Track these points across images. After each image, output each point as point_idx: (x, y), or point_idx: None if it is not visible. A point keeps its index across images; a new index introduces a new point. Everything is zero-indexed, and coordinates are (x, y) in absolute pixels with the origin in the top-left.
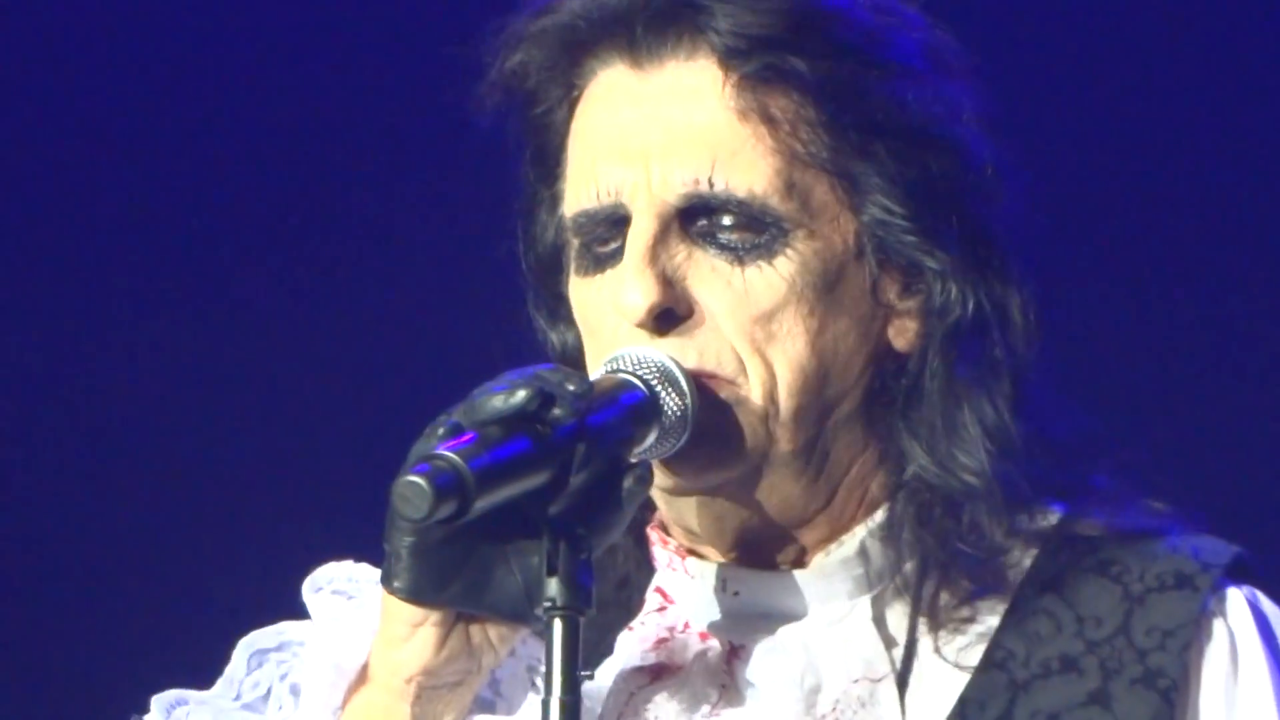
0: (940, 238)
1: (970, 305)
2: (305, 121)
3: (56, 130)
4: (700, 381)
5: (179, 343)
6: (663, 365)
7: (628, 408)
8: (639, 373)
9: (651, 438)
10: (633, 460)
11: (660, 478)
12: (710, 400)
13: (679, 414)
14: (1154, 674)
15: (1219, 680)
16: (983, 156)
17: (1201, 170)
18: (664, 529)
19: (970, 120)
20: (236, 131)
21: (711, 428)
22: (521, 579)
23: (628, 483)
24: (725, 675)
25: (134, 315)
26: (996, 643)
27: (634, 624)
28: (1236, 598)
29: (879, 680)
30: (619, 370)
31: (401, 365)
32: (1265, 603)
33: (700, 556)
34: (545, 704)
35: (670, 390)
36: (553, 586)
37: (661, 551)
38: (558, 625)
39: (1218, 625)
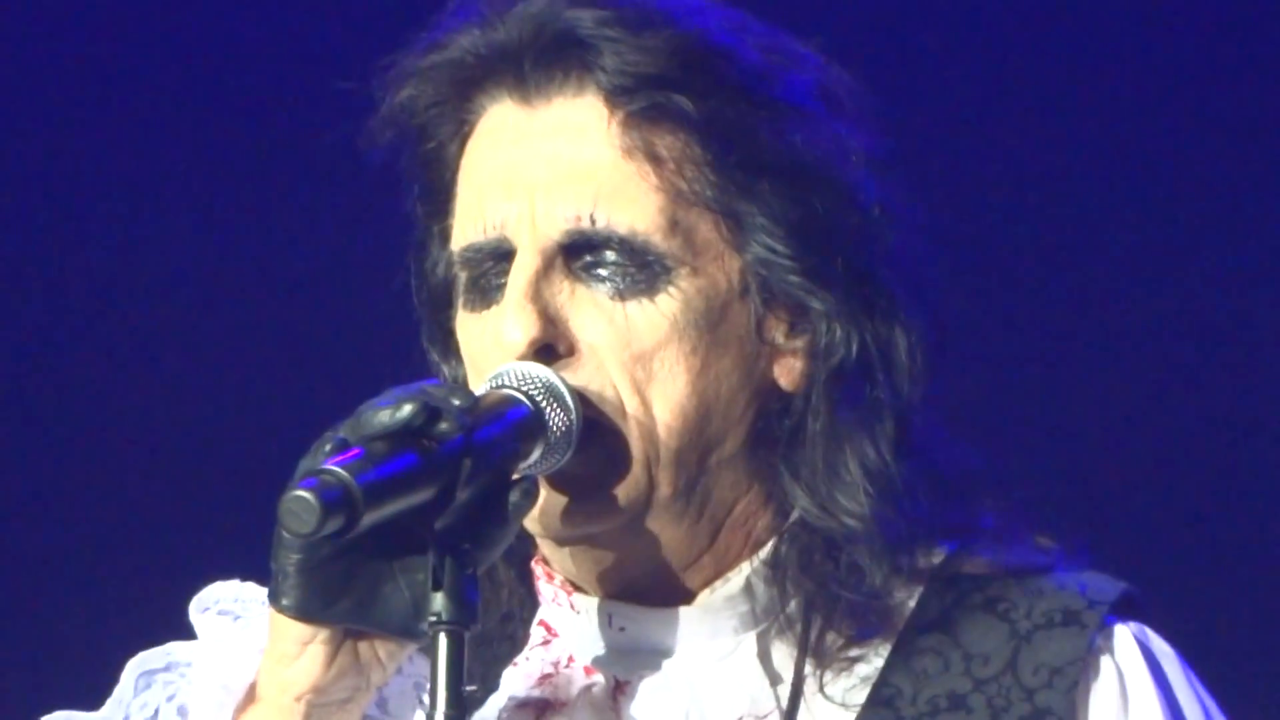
0: (825, 278)
1: (855, 346)
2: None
3: (56, 129)
4: (584, 413)
5: (60, 352)
6: (548, 381)
7: (513, 423)
8: (524, 388)
9: (537, 453)
10: (518, 476)
11: (537, 524)
12: (589, 445)
13: (564, 429)
14: (1042, 712)
15: (1108, 717)
16: (871, 196)
17: (1083, 207)
18: (548, 562)
19: (860, 160)
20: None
21: (589, 479)
22: (409, 595)
23: (514, 497)
24: (610, 712)
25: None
26: (883, 680)
27: (519, 659)
28: (1124, 634)
29: (764, 717)
30: (504, 386)
31: (294, 379)
32: (1153, 639)
33: (585, 592)
34: (430, 719)
35: (555, 406)
36: (438, 601)
37: (546, 586)
38: (443, 640)
39: (1105, 662)
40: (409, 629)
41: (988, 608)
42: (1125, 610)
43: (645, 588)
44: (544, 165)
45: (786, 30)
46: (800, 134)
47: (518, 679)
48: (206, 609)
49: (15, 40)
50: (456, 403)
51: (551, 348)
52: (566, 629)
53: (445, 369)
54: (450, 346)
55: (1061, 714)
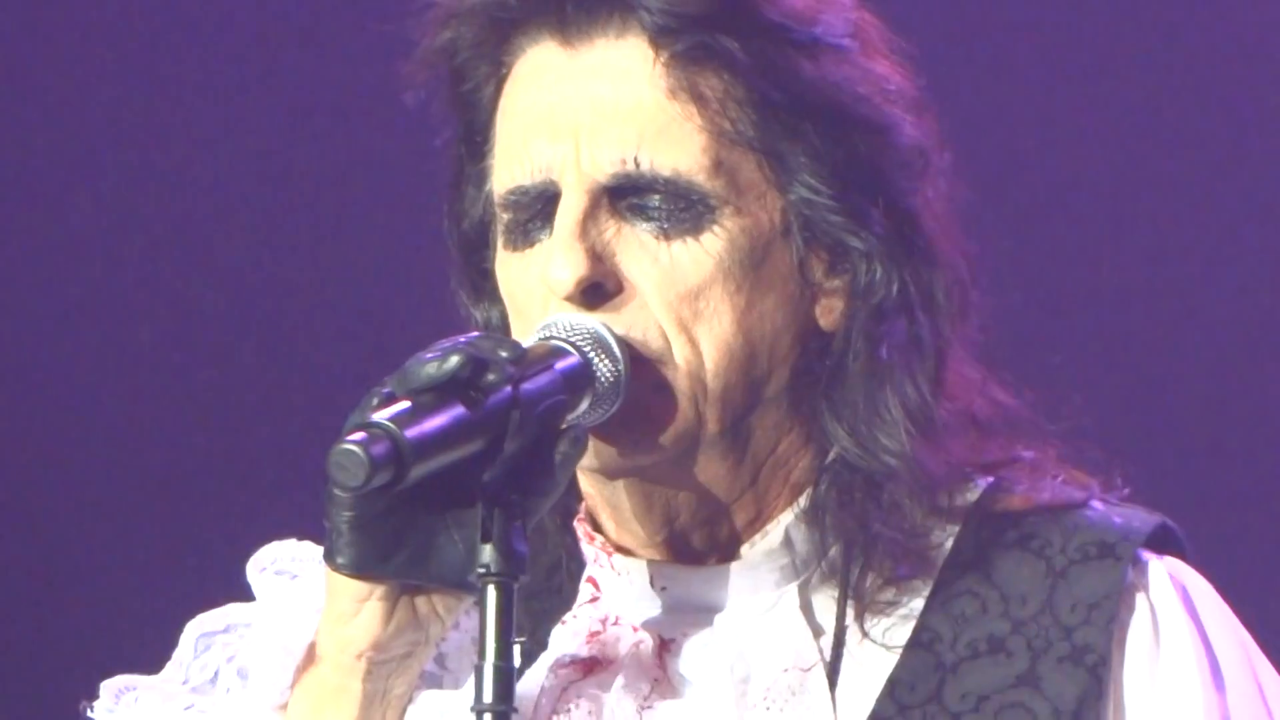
0: (866, 218)
1: (894, 286)
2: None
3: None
4: (631, 359)
5: (124, 331)
6: (595, 332)
7: (561, 374)
8: (572, 339)
9: (584, 404)
10: (565, 426)
11: (590, 458)
12: (639, 382)
13: (611, 380)
14: (1081, 650)
15: (1142, 654)
16: (910, 137)
17: (1124, 155)
18: (591, 522)
19: (898, 101)
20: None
21: (640, 410)
22: (463, 547)
23: (562, 447)
24: (657, 669)
25: (61, 310)
26: (923, 624)
27: (567, 617)
28: (1158, 568)
29: (809, 669)
30: (552, 337)
31: (345, 348)
32: (1187, 572)
33: (627, 553)
34: (479, 669)
35: (603, 356)
36: (487, 553)
37: (588, 548)
38: (491, 592)
39: (1139, 598)
40: (465, 581)
41: (1023, 545)
42: (1161, 543)
43: (686, 534)
44: (588, 107)
45: None
46: (840, 74)
47: (566, 636)
48: (264, 569)
49: (14, 39)
50: (504, 354)
51: (599, 286)
52: (610, 589)
53: (477, 312)
54: (483, 289)
55: (1101, 651)
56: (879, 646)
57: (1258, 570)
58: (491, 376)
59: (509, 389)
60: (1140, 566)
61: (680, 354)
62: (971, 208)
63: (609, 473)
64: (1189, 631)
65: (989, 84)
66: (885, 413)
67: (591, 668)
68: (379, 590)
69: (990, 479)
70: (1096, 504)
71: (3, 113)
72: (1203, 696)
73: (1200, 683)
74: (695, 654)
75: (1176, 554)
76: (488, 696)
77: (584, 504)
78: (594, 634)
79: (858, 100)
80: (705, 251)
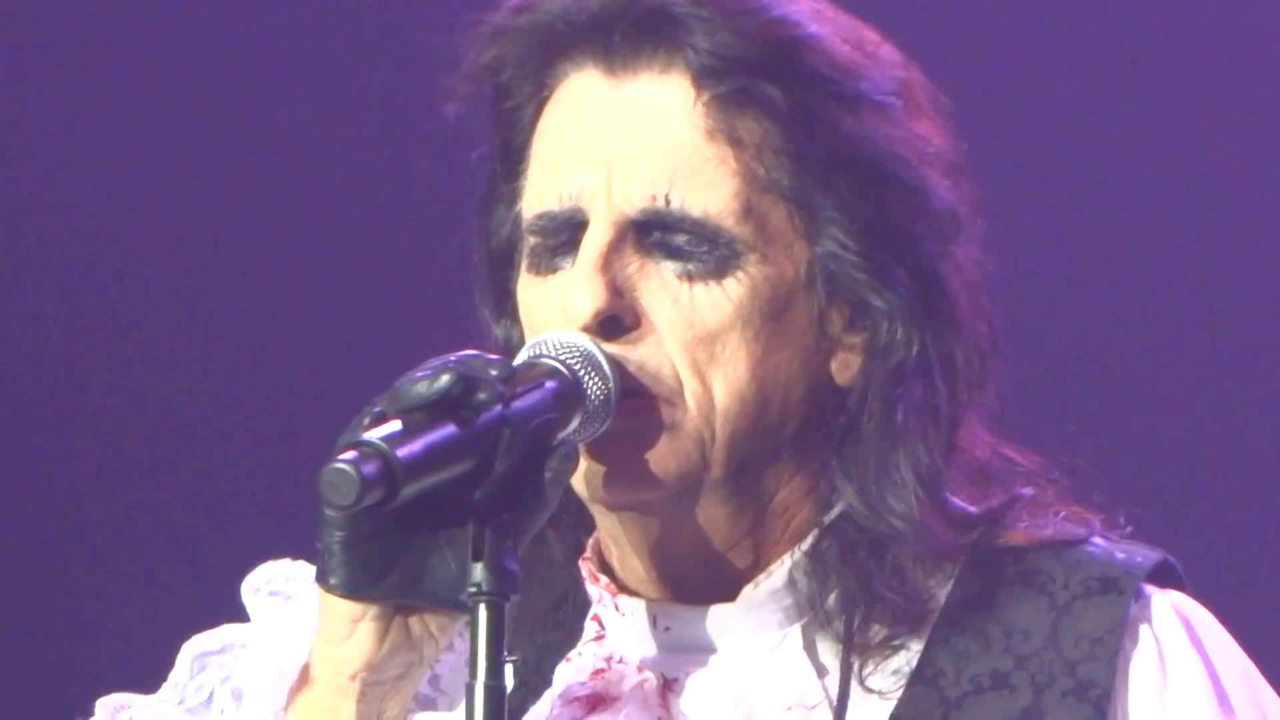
0: (891, 277)
1: (914, 348)
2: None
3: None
4: (637, 396)
5: (109, 344)
6: (585, 349)
7: (551, 392)
8: (561, 357)
9: (576, 422)
10: (556, 443)
11: (584, 487)
12: (646, 418)
13: (602, 397)
14: (1085, 685)
15: (1149, 687)
16: (943, 201)
17: (1130, 186)
18: (598, 559)
19: (936, 163)
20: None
21: (644, 445)
22: (456, 566)
23: (553, 464)
24: (661, 709)
25: (61, 315)
26: (926, 660)
27: (571, 654)
28: (1161, 601)
29: (813, 707)
30: (541, 355)
31: (341, 366)
32: (1192, 607)
33: (630, 593)
34: (470, 688)
35: (593, 374)
36: (478, 572)
37: (592, 588)
38: (482, 610)
39: (1144, 631)
40: (457, 600)
41: (1025, 581)
42: (1163, 578)
43: (688, 572)
44: (625, 139)
45: (869, 24)
46: (880, 131)
47: (570, 674)
48: (258, 590)
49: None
50: (494, 373)
51: (617, 320)
52: (614, 629)
53: (497, 329)
54: (505, 308)
55: (1104, 685)
56: (883, 683)
57: (1261, 606)
58: (482, 395)
59: (500, 408)
60: (1144, 600)
61: (691, 395)
62: (998, 271)
63: (607, 505)
64: (1194, 663)
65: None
66: (896, 475)
67: (595, 705)
68: (372, 610)
69: (991, 516)
70: (1098, 540)
71: (4, 113)
72: None
73: (1208, 714)
74: (698, 693)
75: (1178, 589)
76: (478, 715)
77: (592, 540)
78: (598, 671)
79: (894, 159)
80: (727, 296)
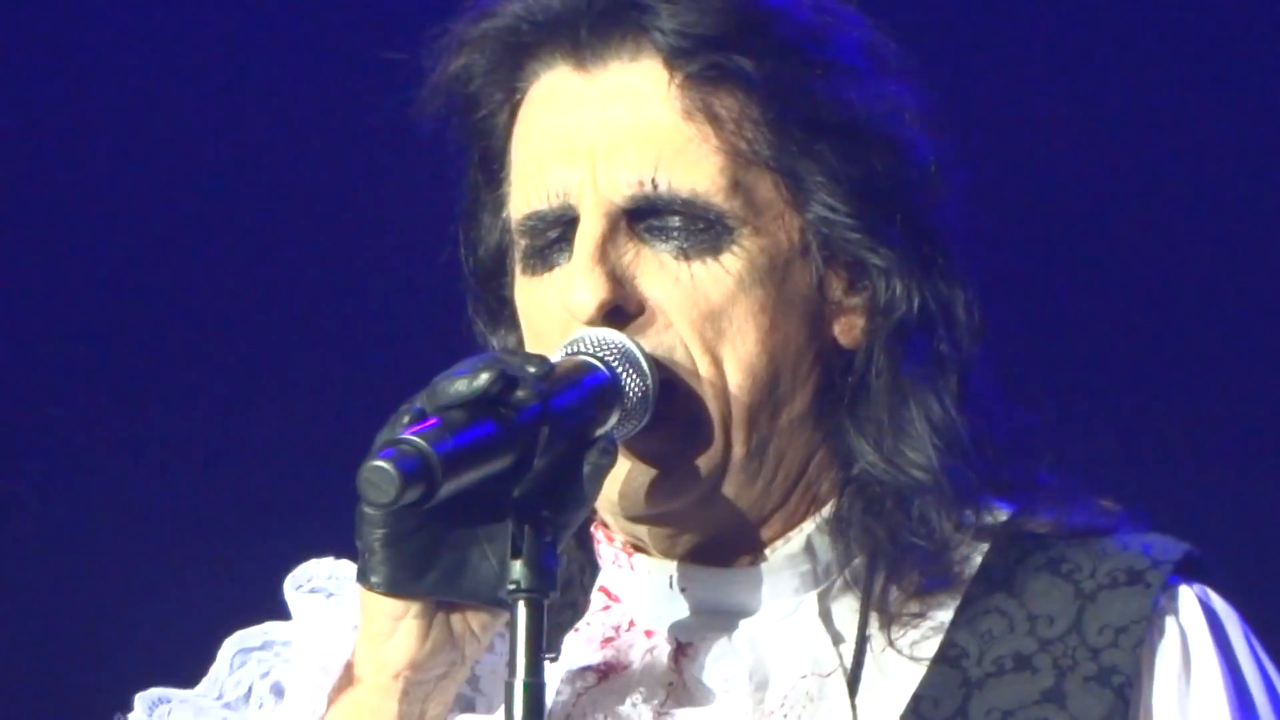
0: (884, 235)
1: (915, 302)
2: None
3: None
4: (662, 384)
5: (158, 342)
6: (623, 346)
7: (590, 389)
8: (599, 354)
9: (614, 419)
10: (595, 438)
11: (618, 507)
12: (667, 420)
13: (640, 394)
14: (1108, 671)
15: (1171, 678)
16: (925, 154)
17: (1141, 166)
18: (608, 525)
19: (911, 118)
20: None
21: (671, 453)
22: (495, 563)
23: (591, 458)
24: (673, 673)
25: (110, 314)
26: (949, 640)
27: (579, 625)
28: (1188, 595)
29: (827, 675)
30: (579, 352)
31: (383, 364)
32: (1216, 600)
33: (647, 553)
34: (509, 686)
35: (631, 371)
36: (517, 569)
37: (607, 549)
38: (522, 608)
39: (1169, 622)
40: (497, 597)
41: (1052, 568)
42: (1189, 571)
43: (713, 549)
44: (604, 130)
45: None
46: (855, 92)
47: (579, 645)
48: (300, 587)
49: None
50: (532, 370)
51: (621, 309)
52: (627, 591)
53: (494, 339)
54: (501, 315)
55: (1127, 673)
56: (903, 658)
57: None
58: (521, 393)
59: (538, 405)
60: (1170, 592)
61: (706, 375)
62: (988, 222)
63: (637, 520)
64: (1219, 658)
65: (987, 91)
66: (910, 428)
67: (605, 674)
68: (414, 608)
69: (1016, 502)
70: (1124, 531)
71: (5, 113)
72: None
73: (1229, 710)
74: (713, 659)
75: (1203, 582)
76: (518, 713)
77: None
78: (607, 640)
79: (872, 118)
80: (725, 271)
